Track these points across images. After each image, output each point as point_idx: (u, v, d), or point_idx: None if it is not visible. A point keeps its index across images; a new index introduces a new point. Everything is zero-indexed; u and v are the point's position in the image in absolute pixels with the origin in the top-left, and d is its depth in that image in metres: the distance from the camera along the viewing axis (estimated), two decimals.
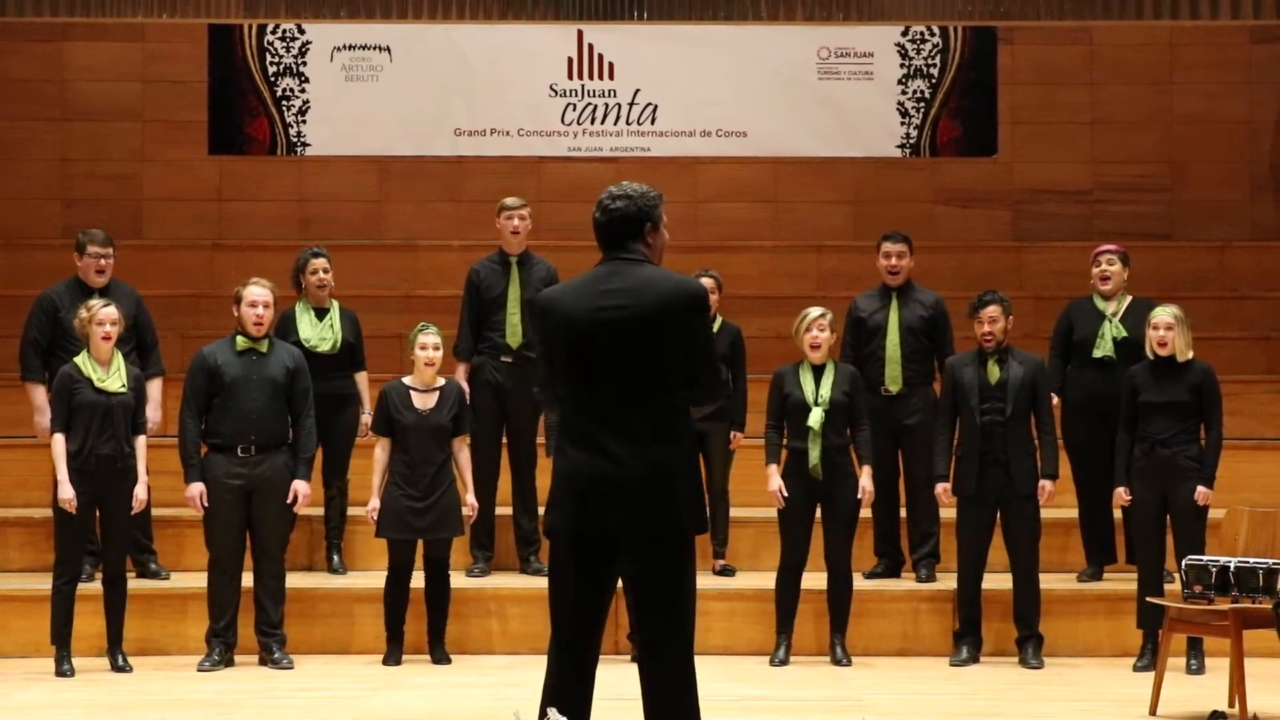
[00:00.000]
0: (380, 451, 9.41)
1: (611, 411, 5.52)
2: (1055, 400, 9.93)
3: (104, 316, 9.01)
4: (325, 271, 10.21)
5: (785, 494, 9.31)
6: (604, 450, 5.50)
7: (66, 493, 8.87)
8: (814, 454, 9.26)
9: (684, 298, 5.55)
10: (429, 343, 9.43)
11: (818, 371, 9.38)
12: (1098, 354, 10.08)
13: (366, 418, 10.16)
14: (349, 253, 12.90)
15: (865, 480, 9.39)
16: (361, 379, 10.29)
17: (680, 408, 5.58)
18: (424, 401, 9.40)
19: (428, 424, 9.35)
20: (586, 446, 5.53)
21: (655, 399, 5.52)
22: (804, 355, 9.41)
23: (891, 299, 10.25)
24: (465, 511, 9.53)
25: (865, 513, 9.68)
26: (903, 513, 10.28)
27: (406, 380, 9.49)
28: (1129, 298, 10.19)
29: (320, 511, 10.25)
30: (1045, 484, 9.36)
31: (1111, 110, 13.98)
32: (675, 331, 5.52)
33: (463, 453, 9.52)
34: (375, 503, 9.37)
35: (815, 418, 9.27)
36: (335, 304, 10.26)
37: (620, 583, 5.63)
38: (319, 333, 10.10)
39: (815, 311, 9.44)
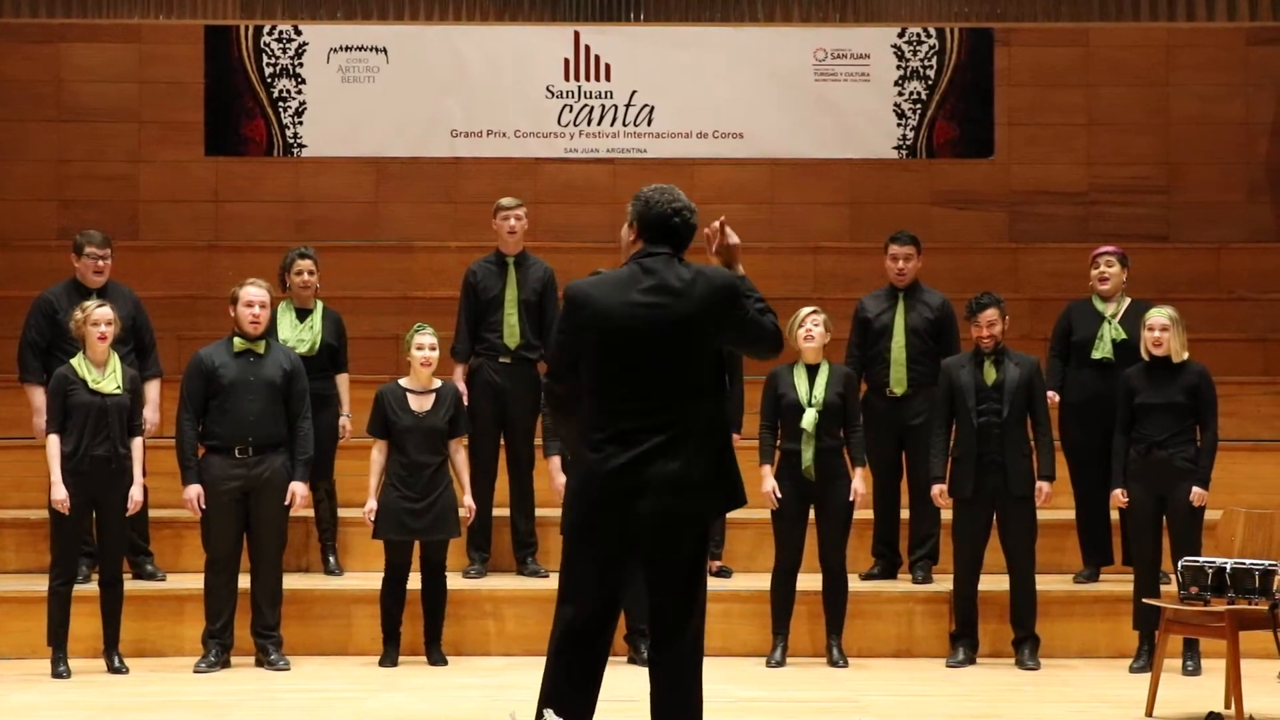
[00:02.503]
0: (377, 453, 9.41)
1: (642, 407, 5.49)
2: (1055, 399, 9.94)
3: (99, 317, 8.99)
4: (310, 273, 10.17)
5: (779, 495, 9.31)
6: (634, 446, 5.47)
7: (59, 494, 8.86)
8: (807, 455, 9.25)
9: (723, 289, 5.57)
10: (425, 343, 9.43)
11: (811, 372, 9.38)
12: (1096, 355, 10.08)
13: (344, 420, 10.14)
14: (345, 254, 12.91)
15: (858, 482, 9.38)
16: (342, 381, 10.23)
17: (712, 403, 5.57)
18: (420, 403, 9.39)
19: (424, 426, 9.34)
20: (614, 442, 5.49)
21: (686, 394, 5.52)
22: (798, 354, 9.41)
23: (898, 300, 10.23)
24: (462, 513, 9.52)
25: (860, 514, 9.67)
26: (903, 514, 10.28)
27: (403, 382, 9.49)
28: (1128, 299, 10.18)
29: (311, 513, 10.23)
30: (1042, 485, 9.36)
31: (1108, 112, 13.98)
32: (719, 323, 5.55)
33: (459, 454, 9.52)
34: (372, 504, 9.37)
35: (808, 419, 9.26)
36: (320, 305, 10.22)
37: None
38: (297, 334, 10.05)
39: (808, 309, 9.45)
